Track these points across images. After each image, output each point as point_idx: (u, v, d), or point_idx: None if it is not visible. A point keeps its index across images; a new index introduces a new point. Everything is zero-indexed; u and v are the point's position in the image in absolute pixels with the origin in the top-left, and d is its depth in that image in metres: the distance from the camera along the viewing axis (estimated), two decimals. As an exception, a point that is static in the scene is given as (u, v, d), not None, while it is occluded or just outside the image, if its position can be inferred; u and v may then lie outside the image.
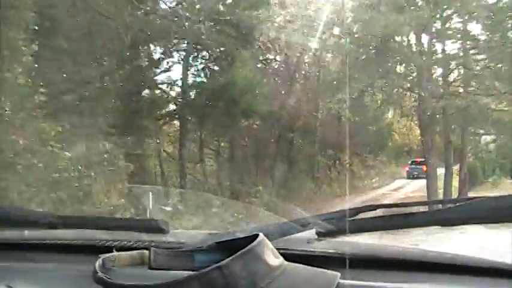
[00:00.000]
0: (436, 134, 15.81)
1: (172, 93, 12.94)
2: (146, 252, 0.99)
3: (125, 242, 1.15)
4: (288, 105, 17.65)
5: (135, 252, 1.00)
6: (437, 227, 1.07)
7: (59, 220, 1.24)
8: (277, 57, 16.76)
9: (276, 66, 17.48)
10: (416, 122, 30.63)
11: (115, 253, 0.97)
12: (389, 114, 25.48)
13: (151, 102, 11.04)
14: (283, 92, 16.78)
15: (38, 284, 1.03)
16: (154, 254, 0.98)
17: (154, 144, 11.46)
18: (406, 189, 23.58)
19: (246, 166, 15.15)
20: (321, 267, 0.91)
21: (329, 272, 0.89)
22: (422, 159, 30.43)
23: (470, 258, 1.08)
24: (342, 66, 20.69)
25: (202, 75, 13.32)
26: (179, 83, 12.63)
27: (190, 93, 12.72)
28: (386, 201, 18.18)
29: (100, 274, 0.87)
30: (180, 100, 12.36)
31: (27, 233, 1.31)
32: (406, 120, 30.13)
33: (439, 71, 14.94)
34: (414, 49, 14.35)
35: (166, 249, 1.01)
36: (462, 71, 13.73)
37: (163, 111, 12.04)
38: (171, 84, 12.66)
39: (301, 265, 0.90)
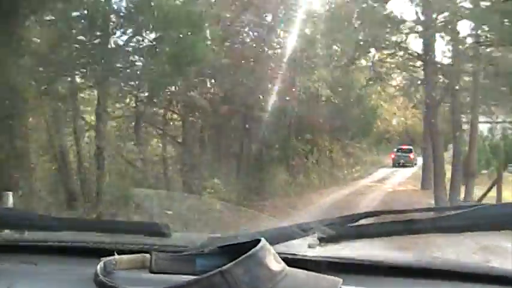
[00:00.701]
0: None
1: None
2: (147, 255, 0.99)
3: (127, 245, 1.11)
4: (256, 76, 14.45)
5: (136, 255, 1.00)
6: (440, 233, 1.03)
7: (61, 222, 1.27)
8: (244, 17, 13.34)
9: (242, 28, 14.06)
10: (399, 104, 28.26)
11: (116, 256, 0.96)
12: (375, 96, 22.38)
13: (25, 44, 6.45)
14: (251, 60, 13.47)
15: (39, 287, 1.03)
16: (156, 258, 0.99)
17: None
18: (391, 180, 20.81)
19: (202, 152, 11.88)
20: (322, 272, 0.91)
21: (331, 277, 0.89)
22: (409, 147, 28.56)
23: (474, 265, 1.10)
24: (323, 34, 17.67)
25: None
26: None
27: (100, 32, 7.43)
28: (372, 195, 15.31)
29: (101, 277, 0.87)
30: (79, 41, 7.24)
31: (29, 235, 1.25)
32: (390, 104, 27.60)
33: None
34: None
35: (167, 253, 1.02)
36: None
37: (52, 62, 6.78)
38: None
39: (303, 270, 0.89)
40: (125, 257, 0.97)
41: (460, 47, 11.29)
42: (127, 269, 0.97)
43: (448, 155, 23.50)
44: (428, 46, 11.18)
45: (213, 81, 14.51)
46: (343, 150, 23.43)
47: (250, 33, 15.17)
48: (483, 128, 22.38)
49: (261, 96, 15.98)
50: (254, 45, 15.30)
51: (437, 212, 1.09)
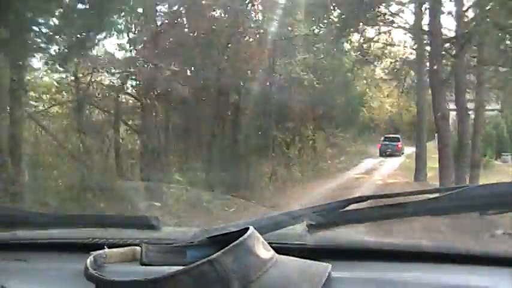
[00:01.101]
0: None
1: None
2: (138, 248, 1.01)
3: (117, 239, 1.12)
4: (231, 58, 12.70)
5: (126, 248, 1.01)
6: (429, 215, 1.05)
7: (51, 219, 1.28)
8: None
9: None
10: (385, 91, 26.69)
11: (106, 250, 0.97)
12: (361, 81, 20.73)
13: None
14: (224, 39, 11.69)
15: (31, 283, 1.04)
16: (146, 250, 1.00)
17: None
18: (380, 171, 19.27)
19: (167, 142, 10.11)
20: (312, 259, 0.93)
21: (320, 263, 0.91)
22: (396, 135, 27.29)
23: (463, 248, 1.09)
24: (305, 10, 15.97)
25: None
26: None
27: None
28: (361, 189, 13.77)
29: (91, 271, 0.88)
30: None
31: (20, 233, 1.25)
32: (375, 91, 26.08)
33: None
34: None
35: (158, 245, 1.02)
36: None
37: None
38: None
39: (292, 257, 0.91)
40: (115, 250, 0.97)
41: (466, 18, 9.69)
42: (117, 262, 0.96)
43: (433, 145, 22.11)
44: (434, 17, 9.56)
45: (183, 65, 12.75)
46: (327, 140, 21.82)
47: (223, 10, 13.29)
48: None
49: (237, 80, 14.27)
50: (227, 24, 13.44)
51: (425, 195, 1.04)
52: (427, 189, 1.66)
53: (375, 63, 16.21)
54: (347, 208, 1.06)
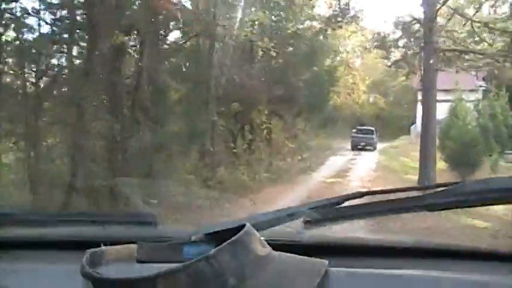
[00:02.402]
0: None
1: None
2: (134, 246, 0.99)
3: (113, 237, 1.07)
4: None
5: (123, 246, 0.99)
6: (425, 211, 1.02)
7: (46, 217, 1.29)
8: None
9: None
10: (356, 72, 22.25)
11: (102, 247, 0.95)
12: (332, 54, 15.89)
13: None
14: None
15: (27, 282, 1.03)
16: (142, 248, 0.98)
17: None
18: (355, 173, 14.82)
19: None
20: (309, 256, 0.91)
21: (317, 260, 0.89)
22: (370, 127, 23.29)
23: (457, 244, 1.15)
24: None
25: None
26: None
27: None
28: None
29: (87, 269, 0.86)
30: None
31: (15, 231, 1.25)
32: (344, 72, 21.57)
33: None
34: None
35: (154, 243, 1.01)
36: None
37: None
38: None
39: (289, 254, 0.90)
40: (111, 248, 0.96)
41: None
42: (114, 259, 0.95)
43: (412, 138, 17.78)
44: None
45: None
46: (285, 131, 17.02)
47: None
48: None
49: (151, 35, 9.18)
50: None
51: (422, 190, 1.04)
52: (424, 185, 1.41)
53: (356, 22, 11.35)
54: (343, 204, 1.06)
